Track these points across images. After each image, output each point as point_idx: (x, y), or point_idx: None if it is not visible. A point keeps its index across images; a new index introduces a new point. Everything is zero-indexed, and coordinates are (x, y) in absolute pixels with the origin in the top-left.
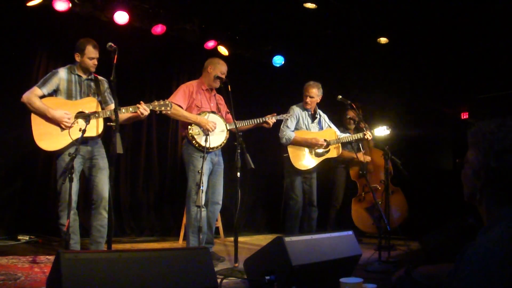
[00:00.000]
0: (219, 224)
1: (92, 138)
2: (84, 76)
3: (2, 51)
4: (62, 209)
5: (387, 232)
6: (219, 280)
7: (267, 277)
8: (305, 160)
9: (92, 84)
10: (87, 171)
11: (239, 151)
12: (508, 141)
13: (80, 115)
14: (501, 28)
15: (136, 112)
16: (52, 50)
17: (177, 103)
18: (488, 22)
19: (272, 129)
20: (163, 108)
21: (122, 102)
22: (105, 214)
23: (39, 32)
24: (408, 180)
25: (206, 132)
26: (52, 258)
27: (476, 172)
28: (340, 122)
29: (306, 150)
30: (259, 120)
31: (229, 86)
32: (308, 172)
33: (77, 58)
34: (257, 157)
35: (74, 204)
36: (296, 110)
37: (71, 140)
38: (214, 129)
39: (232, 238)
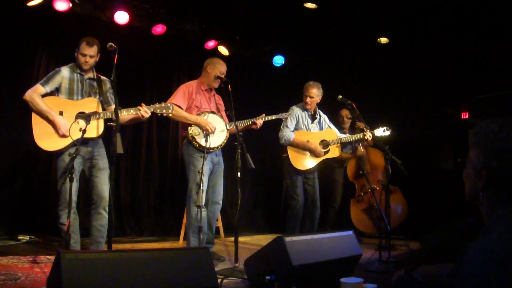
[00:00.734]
0: (220, 224)
1: (92, 139)
2: (86, 75)
3: (3, 51)
4: (62, 209)
5: (387, 232)
6: (219, 280)
7: (268, 277)
8: (305, 161)
9: (95, 83)
10: (87, 171)
11: (239, 151)
12: (510, 141)
13: (81, 115)
14: (501, 28)
15: (137, 114)
16: (53, 50)
17: (177, 104)
18: (488, 22)
19: (272, 129)
20: (164, 111)
21: (122, 102)
22: (105, 214)
23: (40, 32)
24: (408, 180)
25: (206, 133)
26: (52, 258)
27: (477, 172)
28: (335, 122)
29: (306, 151)
30: (249, 122)
31: (229, 86)
32: (309, 172)
33: (76, 54)
34: (258, 157)
35: (74, 204)
36: (296, 110)
37: (71, 141)
38: (214, 130)
39: (232, 238)
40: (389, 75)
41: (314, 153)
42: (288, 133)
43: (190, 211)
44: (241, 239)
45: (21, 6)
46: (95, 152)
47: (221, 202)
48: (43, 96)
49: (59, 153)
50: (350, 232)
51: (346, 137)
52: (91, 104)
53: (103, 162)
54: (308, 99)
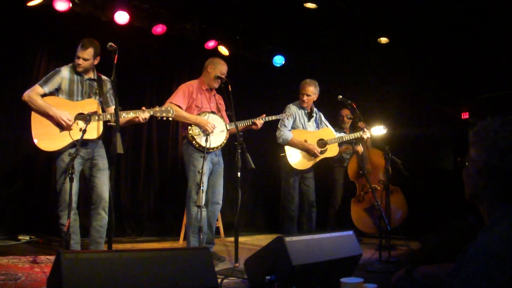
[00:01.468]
0: (220, 224)
1: (92, 140)
2: (86, 76)
3: (3, 51)
4: (62, 209)
5: (387, 232)
6: (219, 280)
7: (268, 277)
8: (303, 160)
9: (95, 84)
10: (87, 172)
11: (239, 151)
12: (511, 138)
13: (80, 116)
14: (501, 28)
15: (136, 116)
16: (53, 50)
17: (177, 104)
18: (488, 22)
19: (272, 129)
20: (164, 114)
21: (122, 102)
22: (104, 215)
23: (40, 32)
24: (408, 180)
25: (206, 133)
26: (52, 258)
27: (479, 170)
28: (335, 121)
29: (304, 151)
30: (249, 122)
31: (229, 86)
32: (306, 171)
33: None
34: (257, 157)
35: (74, 204)
36: (292, 108)
37: (70, 141)
38: (214, 129)
39: (232, 238)
40: (389, 75)
41: (311, 153)
42: (286, 132)
43: (190, 211)
44: (241, 239)
45: (21, 6)
46: (95, 153)
47: (221, 202)
48: (43, 96)
49: (59, 153)
50: (350, 232)
51: (343, 136)
52: (91, 106)
53: (103, 162)
54: (305, 97)
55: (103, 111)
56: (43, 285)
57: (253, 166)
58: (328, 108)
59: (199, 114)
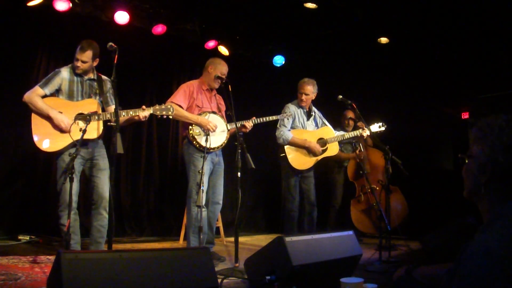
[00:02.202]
0: (220, 224)
1: (92, 140)
2: (85, 76)
3: (3, 51)
4: (62, 209)
5: (387, 232)
6: (219, 280)
7: (268, 277)
8: (303, 160)
9: (95, 84)
10: (88, 172)
11: (239, 151)
12: None
13: (80, 116)
14: (501, 28)
15: (136, 115)
16: (53, 50)
17: (178, 103)
18: (488, 22)
19: (271, 128)
20: (164, 113)
21: (122, 102)
22: (105, 214)
23: (40, 32)
24: (408, 180)
25: (206, 132)
26: (52, 258)
27: (481, 166)
28: (338, 123)
29: (304, 150)
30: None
31: (229, 86)
32: (306, 171)
33: None
34: (258, 157)
35: (74, 204)
36: (291, 108)
37: (71, 141)
38: (215, 129)
39: (232, 238)
40: (389, 75)
41: (312, 152)
42: (286, 132)
43: (190, 211)
44: (241, 239)
45: (21, 6)
46: (95, 153)
47: (221, 202)
48: (43, 97)
49: (59, 153)
50: (350, 232)
51: (343, 134)
52: (91, 106)
53: (103, 162)
54: (304, 97)
55: (103, 111)
56: (43, 285)
57: (253, 166)
58: (328, 108)
59: (199, 114)
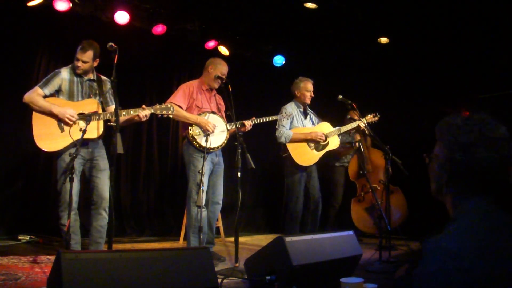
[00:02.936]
0: (220, 224)
1: (92, 139)
2: (85, 77)
3: (3, 51)
4: (62, 209)
5: (387, 232)
6: (219, 280)
7: (268, 277)
8: (308, 155)
9: (94, 84)
10: (88, 172)
11: (239, 151)
12: (473, 134)
13: (81, 116)
14: (501, 28)
15: (136, 115)
16: (53, 50)
17: (177, 104)
18: (488, 22)
19: (271, 129)
20: (164, 112)
21: (122, 102)
22: (105, 215)
23: (40, 32)
24: (408, 180)
25: (206, 133)
26: (52, 258)
27: (442, 165)
28: (338, 123)
29: (306, 145)
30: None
31: (229, 86)
32: (309, 170)
33: None
34: (258, 157)
35: (75, 204)
36: (289, 109)
37: (71, 141)
38: (214, 129)
39: (232, 238)
40: (389, 75)
41: (316, 140)
42: (286, 130)
43: (190, 211)
44: (241, 239)
45: (21, 6)
46: (95, 153)
47: (221, 202)
48: (43, 98)
49: (60, 153)
50: (351, 232)
51: (342, 127)
52: (91, 105)
53: (103, 162)
54: (310, 94)
55: (103, 111)
56: (43, 285)
57: (253, 166)
58: (328, 108)
59: (199, 114)
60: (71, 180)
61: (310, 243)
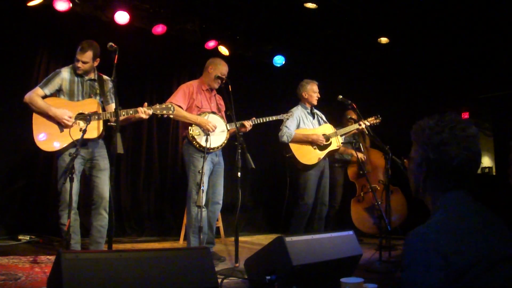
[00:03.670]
0: (220, 224)
1: (92, 139)
2: (86, 77)
3: (3, 51)
4: (62, 209)
5: (387, 232)
6: (219, 280)
7: (268, 277)
8: (311, 155)
9: (95, 84)
10: (88, 172)
11: (239, 151)
12: (444, 134)
13: (81, 116)
14: (501, 28)
15: (136, 112)
16: (53, 50)
17: (177, 104)
18: (488, 22)
19: (270, 129)
20: (164, 112)
21: (122, 102)
22: (105, 215)
23: (40, 32)
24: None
25: (206, 133)
26: (52, 258)
27: (418, 165)
28: (339, 123)
29: (310, 145)
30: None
31: (229, 86)
32: (322, 170)
33: None
34: (258, 157)
35: (75, 204)
36: (297, 112)
37: (71, 141)
38: (214, 129)
39: (232, 238)
40: (389, 75)
41: (316, 143)
42: (289, 130)
43: (190, 211)
44: (241, 239)
45: (21, 6)
46: (95, 153)
47: (221, 202)
48: (43, 98)
49: (60, 153)
50: (351, 232)
51: (342, 129)
52: (91, 105)
53: (104, 162)
54: (317, 96)
55: (104, 111)
56: (43, 285)
57: (253, 166)
58: (328, 108)
59: (199, 114)
60: (71, 180)
61: (310, 243)
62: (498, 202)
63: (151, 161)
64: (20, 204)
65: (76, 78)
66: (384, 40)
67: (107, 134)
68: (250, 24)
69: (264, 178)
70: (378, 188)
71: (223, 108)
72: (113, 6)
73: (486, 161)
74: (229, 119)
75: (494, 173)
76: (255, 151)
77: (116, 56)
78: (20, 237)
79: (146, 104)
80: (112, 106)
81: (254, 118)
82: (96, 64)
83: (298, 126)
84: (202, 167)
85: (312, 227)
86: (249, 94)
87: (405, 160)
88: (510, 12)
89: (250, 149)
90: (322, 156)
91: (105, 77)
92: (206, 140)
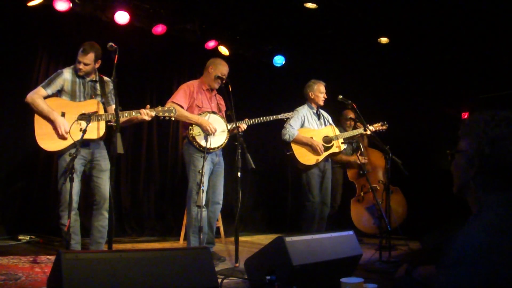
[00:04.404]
0: (220, 224)
1: (93, 140)
2: (87, 78)
3: (3, 51)
4: (63, 209)
5: (387, 232)
6: (219, 280)
7: (268, 277)
8: (310, 156)
9: (97, 85)
10: (89, 172)
11: (239, 151)
12: (501, 128)
13: (82, 116)
14: (501, 28)
15: (139, 114)
16: (53, 50)
17: (178, 103)
18: (488, 22)
19: (273, 129)
20: (166, 114)
21: (122, 102)
22: (106, 215)
23: (40, 32)
24: (408, 180)
25: (206, 133)
26: (52, 258)
27: (469, 160)
28: (338, 122)
29: (310, 147)
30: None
31: (229, 86)
32: (323, 170)
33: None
34: (258, 157)
35: (75, 204)
36: (302, 111)
37: (72, 141)
38: (214, 132)
39: (232, 238)
40: (389, 75)
41: (315, 149)
42: (292, 129)
43: (191, 211)
44: (241, 239)
45: (21, 6)
46: (96, 154)
47: (221, 202)
48: (45, 98)
49: (61, 153)
50: (351, 232)
51: (345, 133)
52: (93, 106)
53: (105, 163)
54: (324, 96)
55: (105, 111)
56: (43, 285)
57: (253, 166)
58: (328, 108)
59: (199, 114)
60: (71, 180)
61: (310, 243)
62: None
63: (151, 161)
64: (20, 204)
65: (77, 79)
66: (384, 40)
67: (107, 135)
68: (250, 24)
69: (264, 178)
70: (378, 188)
71: (223, 108)
72: (113, 6)
73: None
74: (229, 119)
75: None
76: (255, 151)
77: (116, 56)
78: (20, 237)
79: (148, 106)
80: (113, 107)
81: (246, 119)
82: (97, 66)
83: (302, 125)
84: (202, 167)
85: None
86: (249, 94)
87: (448, 152)
88: (510, 12)
89: (250, 149)
90: (321, 158)
91: (106, 78)
92: (206, 140)
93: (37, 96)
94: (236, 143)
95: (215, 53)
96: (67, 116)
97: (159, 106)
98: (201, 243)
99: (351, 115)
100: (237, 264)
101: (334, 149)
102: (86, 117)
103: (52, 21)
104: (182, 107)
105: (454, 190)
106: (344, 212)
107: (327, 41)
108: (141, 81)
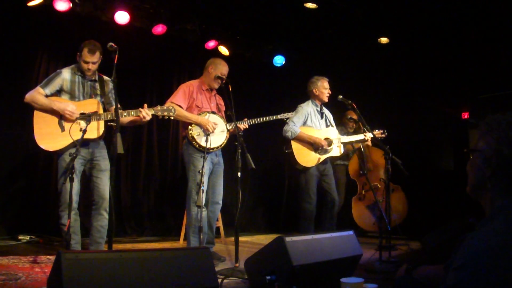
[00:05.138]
0: (220, 224)
1: (93, 140)
2: (88, 77)
3: (3, 51)
4: (62, 209)
5: (387, 232)
6: (219, 280)
7: (268, 277)
8: (309, 157)
9: (97, 85)
10: (88, 172)
11: (239, 151)
12: None
13: (82, 116)
14: (501, 28)
15: (137, 116)
16: (53, 50)
17: (177, 103)
18: (488, 22)
19: (273, 128)
20: (165, 113)
21: (122, 102)
22: (105, 215)
23: (40, 32)
24: (408, 180)
25: (206, 133)
26: (52, 258)
27: (487, 160)
28: (339, 122)
29: (311, 146)
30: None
31: (229, 86)
32: (322, 168)
33: (78, 58)
34: (258, 157)
35: (75, 204)
36: (306, 108)
37: (71, 141)
38: (215, 129)
39: (232, 238)
40: (389, 75)
41: (318, 145)
42: (294, 127)
43: (190, 211)
44: (241, 239)
45: (21, 6)
46: (96, 153)
47: (221, 202)
48: None
49: (60, 153)
50: (351, 232)
51: (349, 137)
52: (92, 106)
53: (104, 163)
54: (328, 92)
55: (105, 111)
56: (43, 285)
57: (253, 166)
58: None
59: (199, 114)
60: (71, 180)
61: (310, 243)
62: None
63: (151, 161)
64: (20, 204)
65: (77, 79)
66: (384, 40)
67: (107, 134)
68: (250, 24)
69: (264, 178)
70: (379, 187)
71: (223, 108)
72: (113, 6)
73: None
74: (229, 119)
75: None
76: (255, 151)
77: (116, 56)
78: (20, 237)
79: (146, 105)
80: (113, 107)
81: (245, 119)
82: (99, 62)
83: (305, 123)
84: (202, 167)
85: (324, 226)
86: (249, 94)
87: (465, 151)
88: (510, 12)
89: (250, 149)
90: (321, 160)
91: (105, 77)
92: (206, 140)
93: (36, 93)
94: (236, 143)
95: (215, 53)
96: None
97: (158, 106)
98: (201, 243)
99: (353, 115)
100: (237, 264)
101: (333, 153)
102: (86, 117)
103: (52, 21)
104: (181, 107)
105: (467, 190)
106: (344, 212)
107: (327, 41)
108: (141, 81)
